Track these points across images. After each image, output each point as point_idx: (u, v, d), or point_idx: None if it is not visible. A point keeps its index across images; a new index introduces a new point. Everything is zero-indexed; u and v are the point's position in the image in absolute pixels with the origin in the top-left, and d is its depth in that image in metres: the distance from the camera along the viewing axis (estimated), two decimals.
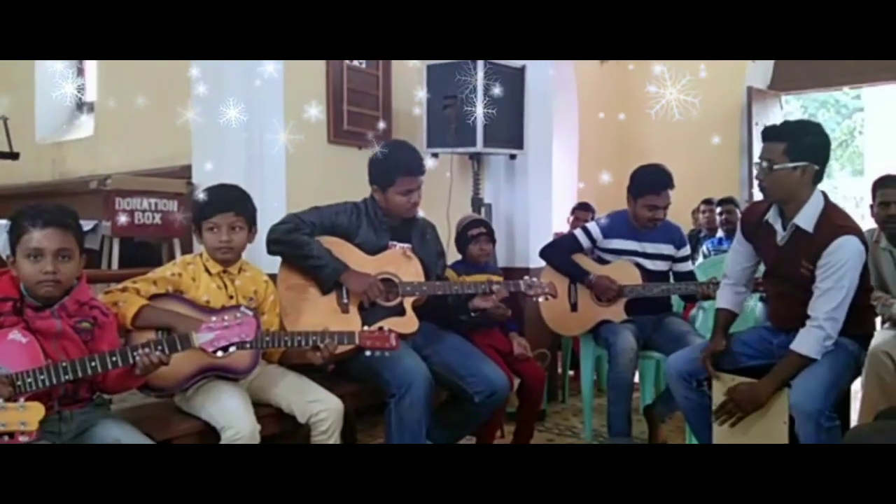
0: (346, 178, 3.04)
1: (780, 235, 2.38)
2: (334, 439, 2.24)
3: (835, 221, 2.27)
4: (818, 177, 2.32)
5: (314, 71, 3.49)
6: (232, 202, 2.28)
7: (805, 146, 2.28)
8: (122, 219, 3.07)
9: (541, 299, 2.77)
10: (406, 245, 2.68)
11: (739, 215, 4.70)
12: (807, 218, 2.30)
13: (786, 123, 2.40)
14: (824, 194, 2.33)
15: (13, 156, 3.56)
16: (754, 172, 2.41)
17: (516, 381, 2.93)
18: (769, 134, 2.34)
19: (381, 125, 3.72)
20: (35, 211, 1.79)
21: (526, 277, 2.76)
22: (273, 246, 2.51)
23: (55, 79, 5.18)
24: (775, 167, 2.28)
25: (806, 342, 2.26)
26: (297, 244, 2.49)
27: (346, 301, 2.54)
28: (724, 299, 2.62)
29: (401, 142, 2.77)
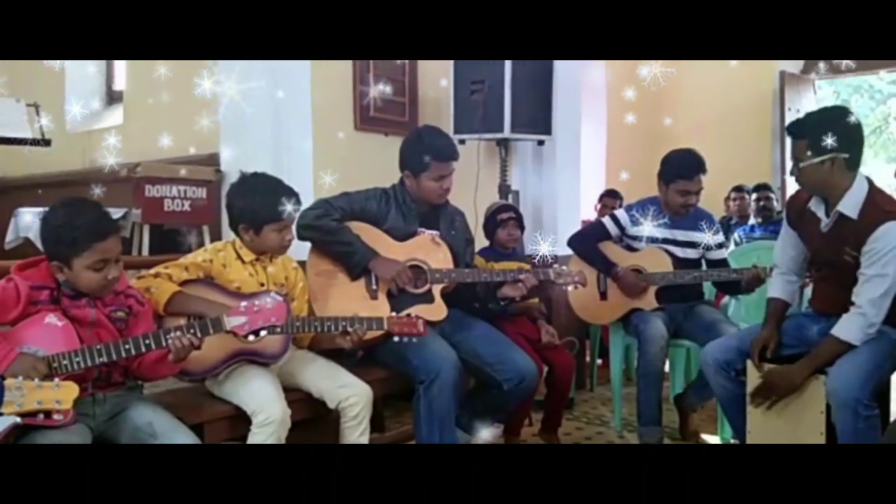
0: (373, 164, 3.02)
1: (824, 223, 2.33)
2: (364, 425, 2.24)
3: (881, 207, 2.22)
4: (853, 163, 2.25)
5: None
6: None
7: (826, 139, 2.22)
8: (151, 206, 3.10)
9: (570, 288, 2.74)
10: (434, 232, 2.66)
11: (776, 201, 4.61)
12: (850, 205, 2.24)
13: (807, 117, 2.35)
14: (869, 180, 2.28)
15: (45, 143, 3.60)
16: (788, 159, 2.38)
17: (545, 369, 2.91)
18: (792, 131, 2.33)
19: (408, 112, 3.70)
20: (90, 223, 1.76)
21: (555, 266, 2.73)
22: (303, 231, 2.50)
23: (85, 67, 5.24)
24: (801, 164, 2.26)
25: (847, 328, 2.21)
26: (326, 230, 2.49)
27: (374, 288, 2.53)
28: (775, 289, 2.55)
29: (433, 127, 2.75)
